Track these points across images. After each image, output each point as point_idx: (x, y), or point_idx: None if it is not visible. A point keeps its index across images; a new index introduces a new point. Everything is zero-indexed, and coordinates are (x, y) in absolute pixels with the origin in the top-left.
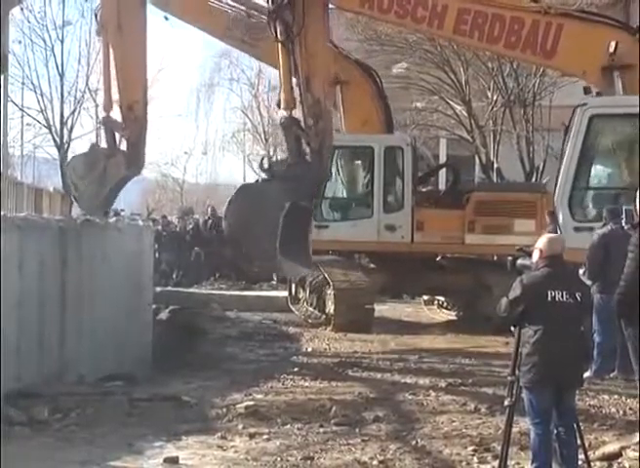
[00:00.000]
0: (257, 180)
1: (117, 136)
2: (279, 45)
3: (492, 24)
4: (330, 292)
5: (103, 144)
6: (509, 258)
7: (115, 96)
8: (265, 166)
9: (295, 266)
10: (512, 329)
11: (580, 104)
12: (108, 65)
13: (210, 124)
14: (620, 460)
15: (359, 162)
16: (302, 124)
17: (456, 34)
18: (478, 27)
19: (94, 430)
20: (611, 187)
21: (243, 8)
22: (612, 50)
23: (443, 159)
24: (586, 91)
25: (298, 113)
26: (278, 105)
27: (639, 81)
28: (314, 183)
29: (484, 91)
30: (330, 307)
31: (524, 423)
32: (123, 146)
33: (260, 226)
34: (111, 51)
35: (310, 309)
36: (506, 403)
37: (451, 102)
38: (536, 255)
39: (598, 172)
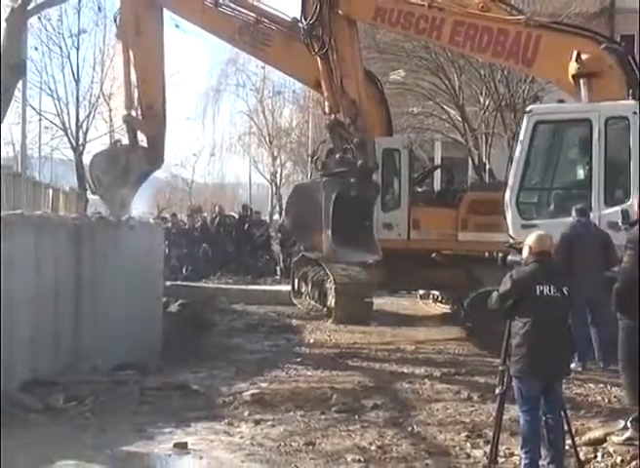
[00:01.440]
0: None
1: (138, 133)
2: (318, 58)
3: (481, 36)
4: (331, 285)
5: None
6: (500, 255)
7: (135, 95)
8: (319, 166)
9: (351, 252)
10: None
11: (527, 111)
12: (129, 67)
13: (217, 127)
14: (604, 445)
15: None
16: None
17: (451, 44)
18: (470, 38)
19: (107, 417)
20: (554, 188)
21: (252, 14)
22: (574, 58)
23: (438, 161)
24: (534, 99)
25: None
26: (324, 112)
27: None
28: (361, 175)
29: (477, 96)
30: (331, 300)
31: (514, 411)
32: (143, 143)
33: (314, 219)
34: (131, 53)
35: (312, 302)
36: (497, 391)
37: (445, 107)
38: (525, 252)
39: (543, 173)
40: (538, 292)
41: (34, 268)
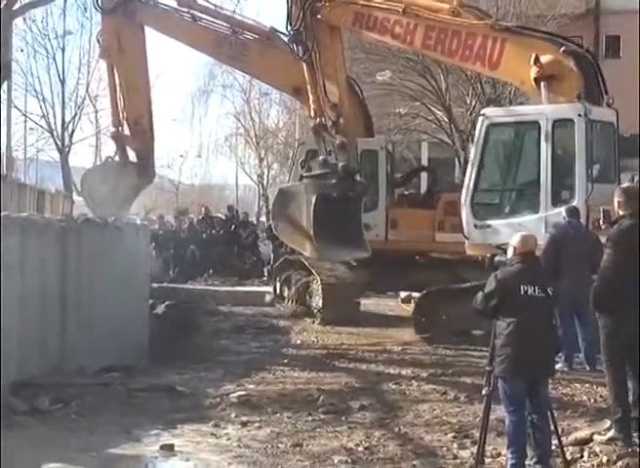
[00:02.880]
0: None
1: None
2: (303, 63)
3: (451, 40)
4: (317, 287)
5: (105, 153)
6: (488, 255)
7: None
8: (303, 168)
9: (337, 251)
10: None
11: (480, 114)
12: (114, 85)
13: (204, 128)
14: (590, 445)
15: None
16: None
17: (423, 48)
18: (441, 43)
19: (93, 419)
20: (506, 189)
21: (227, 25)
22: (532, 62)
23: (425, 161)
24: (488, 102)
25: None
26: (309, 116)
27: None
28: (343, 176)
29: (463, 97)
30: (317, 301)
31: (501, 411)
32: (133, 157)
33: (299, 221)
34: (115, 72)
35: (295, 306)
36: (484, 392)
37: (432, 108)
38: (510, 252)
39: (495, 175)
40: (522, 292)
41: (20, 270)
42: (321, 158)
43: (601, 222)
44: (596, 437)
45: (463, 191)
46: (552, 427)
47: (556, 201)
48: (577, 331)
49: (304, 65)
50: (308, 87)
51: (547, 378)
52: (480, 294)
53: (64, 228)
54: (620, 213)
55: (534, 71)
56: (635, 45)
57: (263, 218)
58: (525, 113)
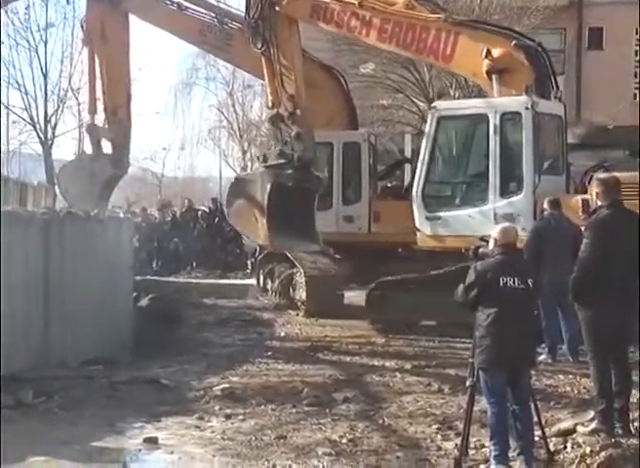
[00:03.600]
0: None
1: (101, 140)
2: (261, 54)
3: (406, 33)
4: (300, 279)
5: (87, 147)
6: (472, 247)
7: (100, 100)
8: (261, 158)
9: (290, 242)
10: None
11: (431, 108)
12: (94, 72)
13: (187, 121)
14: (574, 436)
15: (321, 157)
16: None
17: (378, 41)
18: (396, 36)
19: (77, 412)
20: (456, 181)
21: (213, 15)
22: (483, 55)
23: (408, 153)
24: (439, 96)
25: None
26: (267, 106)
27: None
28: (298, 167)
29: (447, 89)
30: (300, 294)
31: (484, 403)
32: (107, 149)
33: (253, 210)
34: (96, 59)
35: (278, 299)
36: (468, 383)
37: (415, 100)
38: (491, 244)
39: (446, 167)
40: (502, 283)
41: (3, 263)
42: (277, 148)
43: (580, 213)
44: (579, 428)
45: (414, 184)
46: (535, 418)
47: (504, 193)
48: (560, 323)
49: (262, 56)
50: (266, 78)
51: (529, 369)
52: (460, 286)
53: (47, 221)
54: (599, 203)
55: (486, 64)
56: (617, 37)
57: None
58: (474, 106)
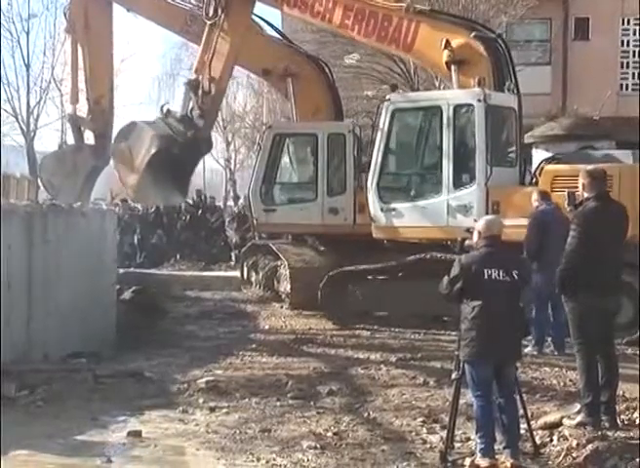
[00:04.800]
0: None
1: (83, 130)
2: (207, 21)
3: (368, 21)
4: (285, 271)
5: (70, 138)
6: (459, 239)
7: (82, 90)
8: (164, 111)
9: (153, 195)
10: None
11: (385, 100)
12: (76, 61)
13: None
14: (560, 429)
15: (305, 148)
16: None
17: (341, 28)
18: (358, 23)
19: (59, 405)
20: (411, 173)
21: (197, 3)
22: (442, 46)
23: None
24: (393, 88)
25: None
26: (192, 70)
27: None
28: (189, 139)
29: (431, 80)
30: (285, 286)
31: (470, 395)
32: (89, 140)
33: (132, 155)
34: (79, 48)
35: (262, 291)
36: (453, 376)
37: (400, 91)
38: (475, 236)
39: (400, 159)
40: (486, 276)
41: None
42: (180, 114)
43: (566, 205)
44: (566, 421)
45: (369, 175)
46: (521, 411)
47: (457, 184)
48: (549, 316)
49: (207, 24)
50: (201, 45)
51: (514, 362)
52: (445, 279)
53: (30, 214)
54: (585, 195)
55: (445, 55)
56: (603, 27)
57: (231, 203)
58: (428, 98)
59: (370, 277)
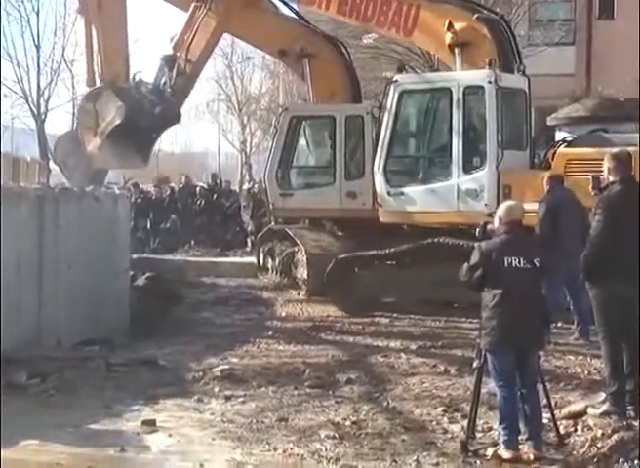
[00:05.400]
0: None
1: None
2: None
3: (366, 6)
4: (302, 257)
5: None
6: (481, 224)
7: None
8: (136, 79)
9: (116, 158)
10: None
11: (393, 81)
12: (91, 42)
13: None
14: (584, 419)
15: (323, 131)
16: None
17: (339, 13)
18: (356, 8)
19: (72, 394)
20: (419, 156)
21: None
22: (445, 28)
23: None
24: (400, 69)
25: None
26: (171, 45)
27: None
28: (157, 114)
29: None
30: (302, 272)
31: (492, 384)
32: None
33: (98, 117)
34: (93, 28)
35: (279, 278)
36: (475, 364)
37: (419, 72)
38: (496, 222)
39: (409, 141)
40: (506, 263)
41: None
42: (155, 83)
43: (590, 189)
44: (590, 410)
45: (376, 158)
46: (545, 400)
47: (467, 168)
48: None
49: (193, 5)
50: (185, 23)
51: (537, 351)
52: (465, 266)
53: (41, 198)
54: (610, 179)
55: (448, 38)
56: (629, 6)
57: (246, 187)
58: (436, 80)
59: (377, 262)
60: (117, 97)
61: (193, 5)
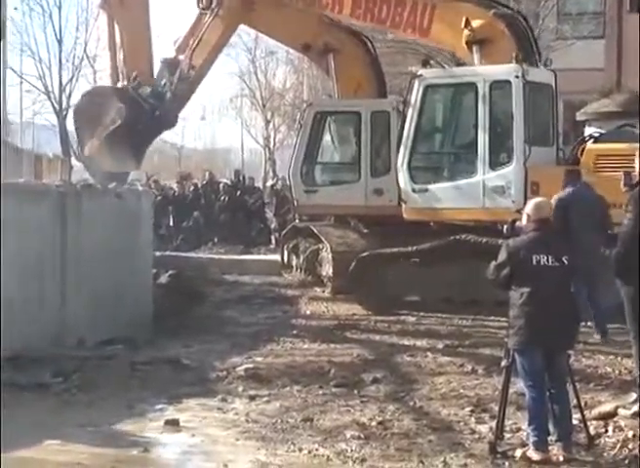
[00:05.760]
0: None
1: None
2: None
3: (380, 8)
4: (327, 254)
5: None
6: (509, 220)
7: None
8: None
9: (116, 161)
10: None
11: (417, 76)
12: (114, 38)
13: (207, 90)
14: (615, 419)
15: (348, 127)
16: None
17: (352, 17)
18: (370, 11)
19: (95, 393)
20: (444, 152)
21: None
22: (462, 26)
23: None
24: (424, 63)
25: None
26: (174, 48)
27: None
28: (156, 118)
29: None
30: (327, 270)
31: (521, 384)
32: None
33: (97, 120)
34: (116, 25)
35: (303, 275)
36: (503, 364)
37: (446, 66)
38: (524, 220)
39: (433, 137)
40: (534, 262)
41: (17, 238)
42: (151, 90)
43: (622, 185)
44: (621, 411)
45: (400, 155)
46: (575, 401)
47: (494, 164)
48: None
49: (199, 14)
50: (191, 26)
51: (565, 350)
52: (492, 264)
53: (63, 194)
54: None
55: (465, 35)
56: None
57: (270, 183)
58: (462, 75)
59: (402, 260)
60: (117, 98)
61: (199, 13)
